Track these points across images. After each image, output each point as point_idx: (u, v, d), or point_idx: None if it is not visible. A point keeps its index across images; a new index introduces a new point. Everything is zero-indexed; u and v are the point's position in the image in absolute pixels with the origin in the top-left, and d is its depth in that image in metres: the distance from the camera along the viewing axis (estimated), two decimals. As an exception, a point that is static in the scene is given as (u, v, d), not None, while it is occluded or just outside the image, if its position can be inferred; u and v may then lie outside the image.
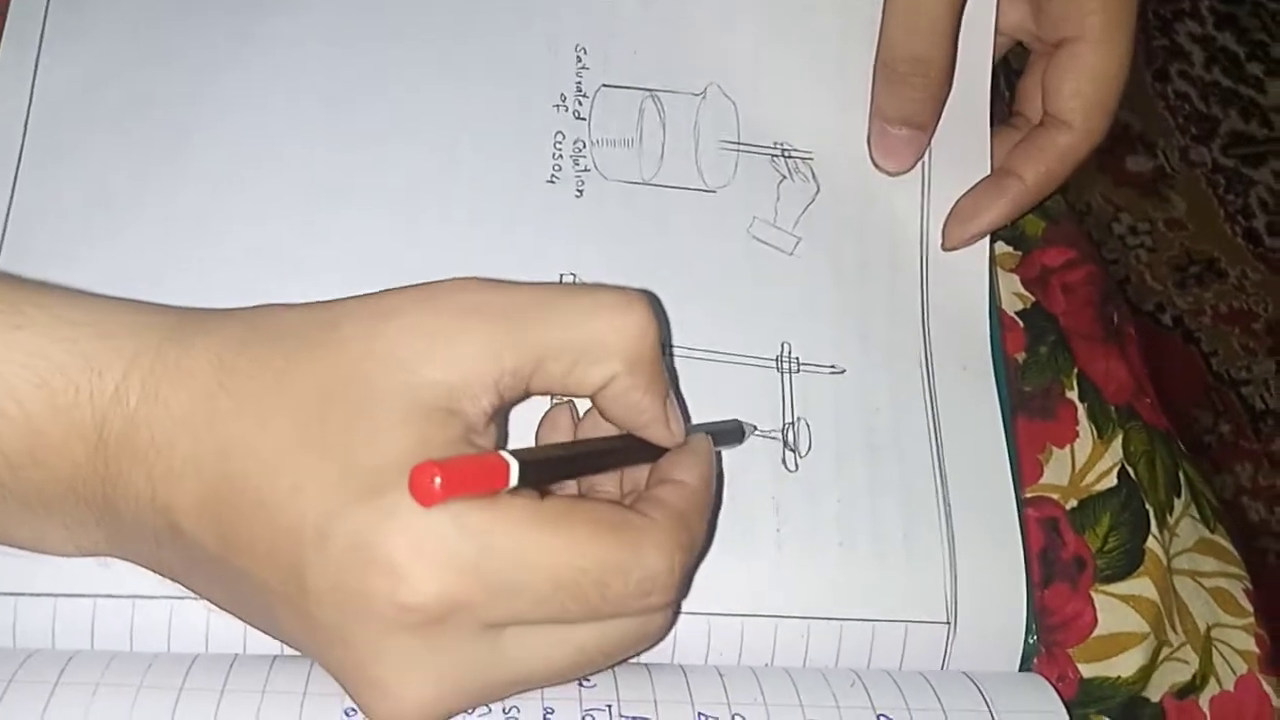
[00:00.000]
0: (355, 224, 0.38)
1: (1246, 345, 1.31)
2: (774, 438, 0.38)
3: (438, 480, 0.26)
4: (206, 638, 0.33)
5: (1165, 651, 0.40)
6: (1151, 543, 0.41)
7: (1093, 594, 0.40)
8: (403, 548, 0.26)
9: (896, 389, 0.40)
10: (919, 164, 0.42)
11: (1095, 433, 0.42)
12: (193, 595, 0.32)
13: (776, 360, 0.39)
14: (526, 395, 0.30)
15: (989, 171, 0.43)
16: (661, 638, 0.32)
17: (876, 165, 0.42)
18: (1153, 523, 0.41)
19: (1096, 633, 0.39)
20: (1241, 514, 1.22)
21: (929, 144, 0.42)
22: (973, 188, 0.42)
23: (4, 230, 0.37)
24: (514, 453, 0.27)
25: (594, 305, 0.29)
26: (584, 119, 0.41)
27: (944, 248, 0.42)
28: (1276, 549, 1.23)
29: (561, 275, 0.39)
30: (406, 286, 0.30)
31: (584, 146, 0.41)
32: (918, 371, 0.40)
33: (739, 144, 0.42)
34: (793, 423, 0.38)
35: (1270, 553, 1.23)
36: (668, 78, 0.42)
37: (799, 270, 0.41)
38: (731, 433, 0.37)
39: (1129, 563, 0.40)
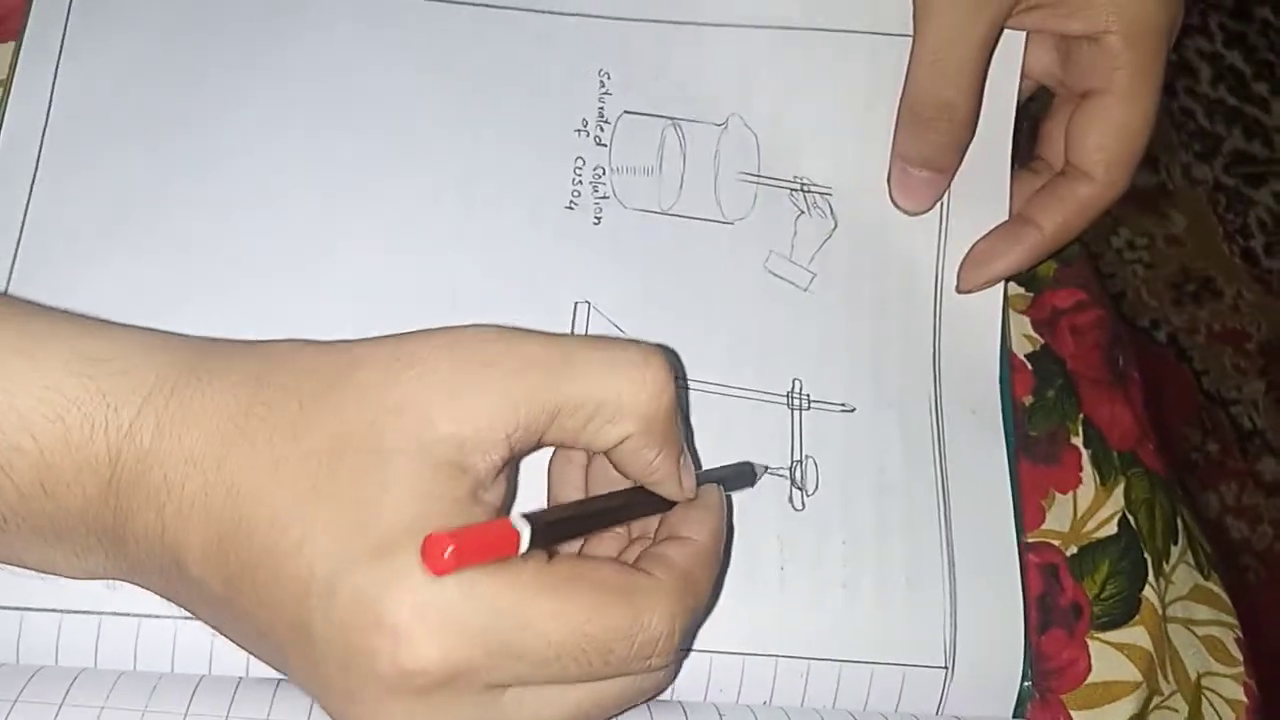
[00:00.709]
0: (372, 244, 0.38)
1: (1238, 365, 1.32)
2: (782, 475, 0.38)
3: (449, 550, 0.26)
4: (210, 658, 0.33)
5: (1156, 700, 0.40)
6: (1148, 591, 0.41)
7: (1088, 641, 0.40)
8: (408, 612, 0.26)
9: (906, 430, 0.40)
10: (937, 204, 0.42)
11: (1098, 479, 0.42)
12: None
13: (788, 397, 0.39)
14: (539, 447, 0.30)
15: (1007, 215, 0.43)
16: (659, 692, 0.32)
17: (896, 204, 0.42)
18: (1150, 570, 0.42)
19: (1090, 680, 0.39)
20: (1224, 533, 1.23)
21: (949, 186, 0.42)
22: (990, 232, 0.42)
23: (18, 244, 0.36)
24: (526, 516, 0.28)
25: (612, 364, 0.29)
26: (605, 145, 0.41)
27: (958, 290, 0.42)
28: (1257, 568, 1.24)
29: (576, 303, 0.39)
30: (427, 332, 0.29)
31: (604, 173, 0.41)
32: (927, 413, 0.40)
33: (759, 176, 0.42)
34: (801, 460, 0.39)
35: (1251, 571, 1.24)
36: (690, 106, 0.42)
37: (813, 306, 0.41)
38: (743, 475, 0.37)
39: (1125, 611, 0.41)
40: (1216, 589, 0.44)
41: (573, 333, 0.38)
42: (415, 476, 0.27)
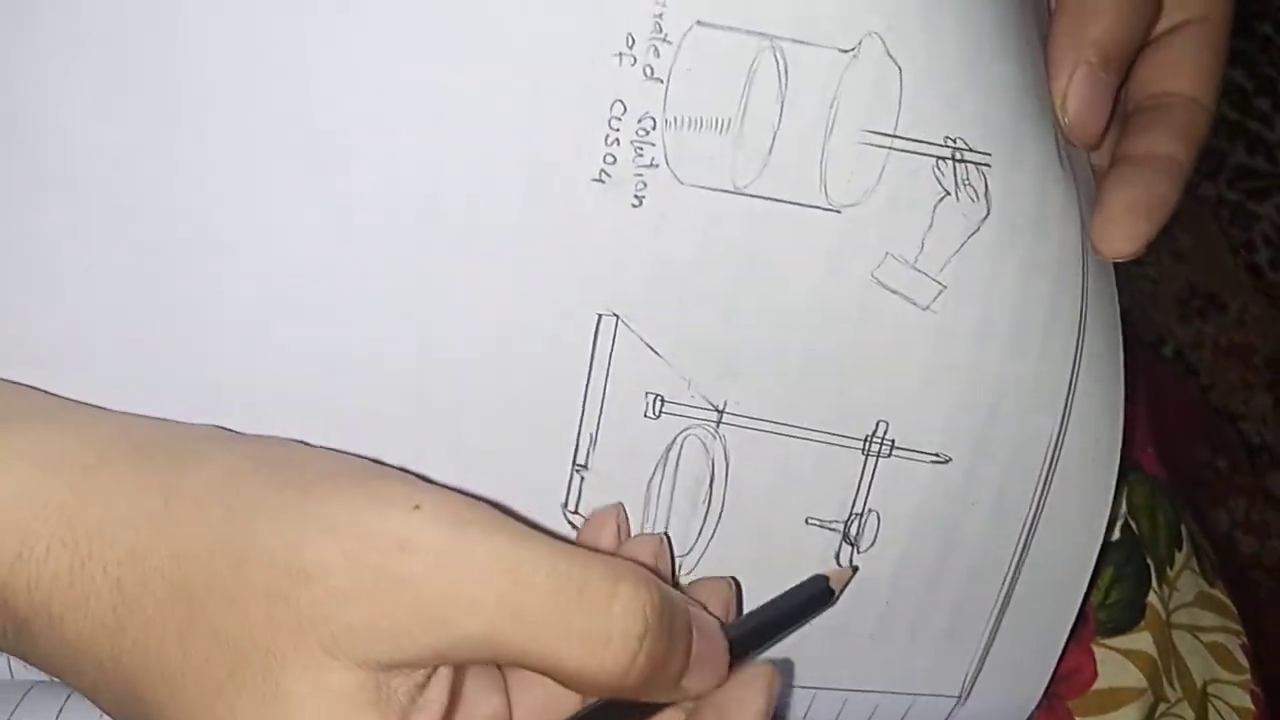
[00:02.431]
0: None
1: (1245, 380, 1.31)
2: (834, 529, 0.31)
3: None
4: None
5: (1162, 708, 0.40)
6: (1152, 597, 0.41)
7: (1094, 647, 0.40)
8: None
9: (1007, 484, 0.32)
10: (1075, 195, 0.32)
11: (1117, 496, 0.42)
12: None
13: (865, 441, 0.31)
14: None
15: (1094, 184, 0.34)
16: None
17: (1071, 120, 0.31)
18: (1154, 577, 0.42)
19: (1096, 686, 0.39)
20: (1234, 548, 1.23)
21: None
22: (1119, 184, 0.32)
23: None
24: None
25: (560, 631, 0.23)
26: (660, 79, 0.26)
27: (1111, 256, 0.32)
28: (1268, 584, 1.23)
29: (600, 315, 0.29)
30: (340, 528, 0.23)
31: (654, 126, 0.27)
32: (1039, 464, 0.32)
33: (894, 136, 0.28)
34: (861, 514, 0.31)
35: (1262, 587, 1.23)
36: (800, 20, 0.27)
37: (930, 331, 0.30)
38: (818, 598, 0.31)
39: (1130, 617, 0.41)
40: (1222, 596, 0.44)
41: (593, 354, 0.29)
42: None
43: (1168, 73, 0.35)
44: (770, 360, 0.30)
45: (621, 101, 0.27)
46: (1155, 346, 1.31)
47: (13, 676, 0.32)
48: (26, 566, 0.24)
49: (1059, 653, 0.35)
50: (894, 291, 0.29)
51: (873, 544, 0.31)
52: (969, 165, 0.29)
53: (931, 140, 0.28)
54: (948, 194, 0.29)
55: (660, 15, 0.26)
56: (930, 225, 0.29)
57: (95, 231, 0.27)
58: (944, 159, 0.29)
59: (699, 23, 0.26)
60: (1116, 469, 0.33)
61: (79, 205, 0.27)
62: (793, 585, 0.32)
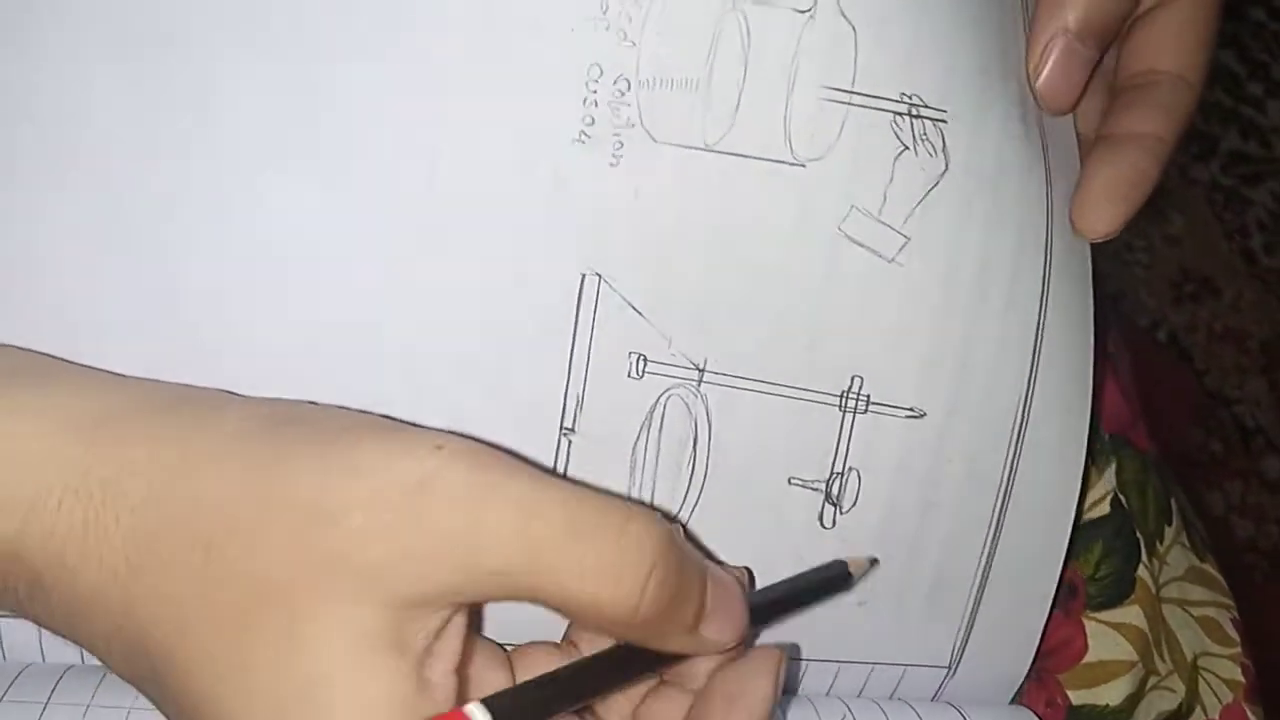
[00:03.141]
0: (328, 201, 0.29)
1: (1239, 364, 1.31)
2: (815, 489, 0.32)
3: None
4: None
5: (1153, 680, 0.40)
6: (1142, 571, 0.41)
7: (1084, 620, 0.40)
8: None
9: (982, 436, 0.32)
10: (1041, 155, 0.33)
11: (1089, 460, 0.42)
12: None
13: (842, 397, 0.31)
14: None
15: (1078, 166, 0.35)
16: None
17: (1043, 97, 0.33)
18: (1143, 551, 0.42)
19: (1086, 659, 0.39)
20: (1229, 531, 1.23)
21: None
22: (1100, 164, 0.34)
23: None
24: (486, 702, 0.24)
25: (577, 569, 0.24)
26: (633, 42, 0.29)
27: (1088, 235, 0.34)
28: (1263, 566, 1.23)
29: (584, 274, 0.30)
30: (365, 471, 0.23)
31: (629, 88, 0.29)
32: (1011, 420, 0.33)
33: (852, 92, 0.30)
34: (842, 473, 0.32)
35: (1257, 570, 1.23)
36: None
37: (897, 283, 0.31)
38: (834, 580, 0.31)
39: (1120, 590, 0.41)
40: (1212, 570, 0.44)
41: (577, 313, 0.30)
42: (347, 671, 0.23)
43: (1153, 49, 0.36)
44: (743, 315, 0.31)
45: (598, 65, 0.28)
46: (1149, 331, 1.31)
47: (44, 659, 0.32)
48: (40, 518, 0.24)
49: (1043, 622, 0.35)
50: (860, 244, 0.31)
51: (855, 504, 0.32)
52: (925, 121, 0.31)
53: (887, 96, 0.30)
54: (906, 148, 0.30)
55: None
56: (891, 179, 0.30)
57: (106, 212, 0.28)
58: (901, 114, 0.30)
59: None
60: (1087, 432, 0.34)
61: (97, 191, 0.28)
62: (794, 563, 0.32)
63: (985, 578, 0.34)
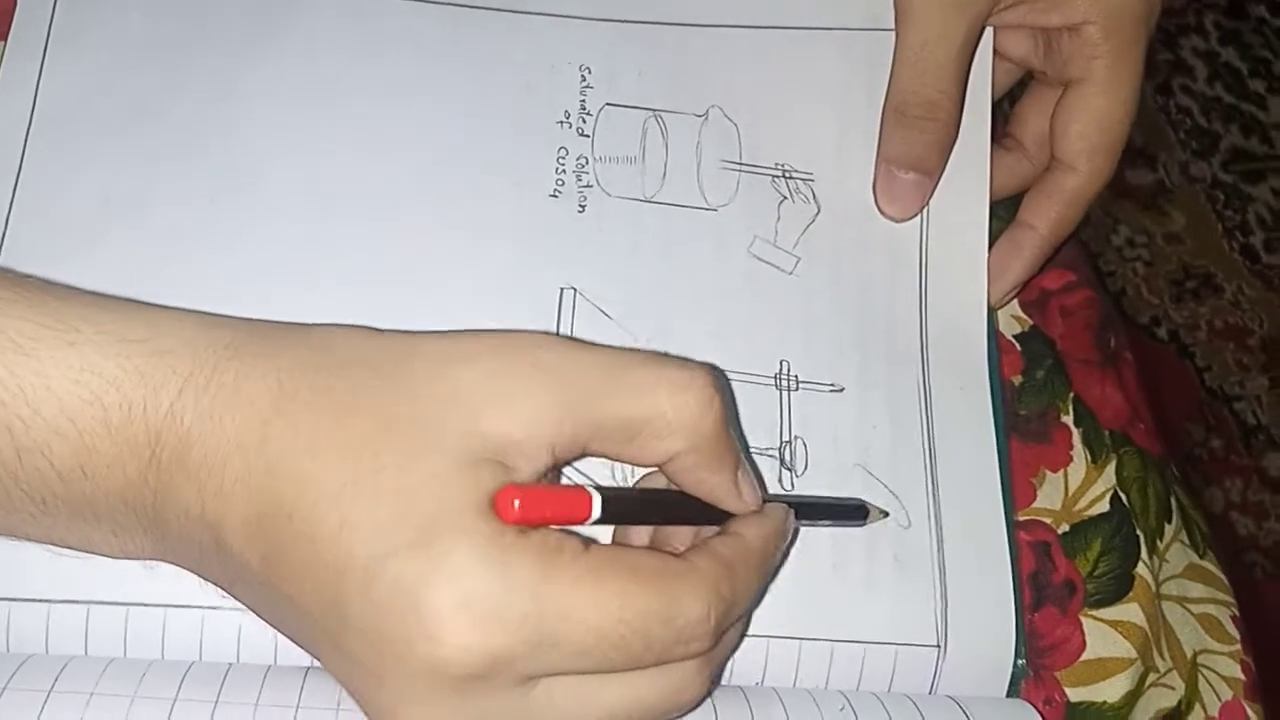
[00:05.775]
0: (358, 231, 0.39)
1: (1240, 361, 1.31)
2: (771, 455, 0.39)
3: (518, 503, 0.27)
4: (238, 647, 0.34)
5: (1152, 677, 0.40)
6: (1141, 568, 0.41)
7: (1082, 618, 0.40)
8: (449, 600, 0.26)
9: (894, 409, 0.40)
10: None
11: (1089, 457, 0.42)
12: (189, 605, 0.33)
13: (775, 378, 0.40)
14: (583, 456, 0.30)
15: (988, 196, 0.43)
16: (692, 707, 0.31)
17: (883, 212, 0.42)
18: (1143, 548, 0.41)
19: (1084, 657, 0.39)
20: (1230, 529, 1.23)
21: (934, 190, 0.42)
22: (995, 247, 0.43)
23: (4, 238, 0.36)
24: (598, 488, 0.29)
25: (655, 381, 0.29)
26: (587, 136, 0.41)
27: (993, 304, 0.43)
28: (1264, 564, 1.23)
29: (562, 289, 0.39)
30: (484, 332, 0.30)
31: (587, 163, 0.41)
32: (915, 392, 0.40)
33: (740, 164, 0.42)
34: (790, 441, 0.39)
35: (1257, 567, 1.23)
36: (671, 99, 0.43)
37: (798, 289, 0.41)
38: (851, 511, 0.37)
39: (1118, 588, 0.41)
40: (1212, 567, 0.44)
41: (559, 317, 0.39)
42: (458, 470, 0.27)
43: (1055, 133, 0.42)
44: (688, 317, 0.40)
45: (565, 148, 0.41)
46: (1150, 328, 1.31)
47: (48, 649, 0.33)
48: (196, 381, 0.28)
49: (1011, 594, 0.38)
50: (766, 262, 0.41)
51: (806, 468, 0.39)
52: (797, 180, 0.42)
53: (765, 165, 0.42)
54: (786, 198, 0.42)
55: (584, 101, 0.42)
56: (779, 218, 0.42)
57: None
58: (778, 176, 0.42)
59: (608, 104, 0.42)
60: (989, 396, 0.41)
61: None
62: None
63: (940, 543, 0.38)
